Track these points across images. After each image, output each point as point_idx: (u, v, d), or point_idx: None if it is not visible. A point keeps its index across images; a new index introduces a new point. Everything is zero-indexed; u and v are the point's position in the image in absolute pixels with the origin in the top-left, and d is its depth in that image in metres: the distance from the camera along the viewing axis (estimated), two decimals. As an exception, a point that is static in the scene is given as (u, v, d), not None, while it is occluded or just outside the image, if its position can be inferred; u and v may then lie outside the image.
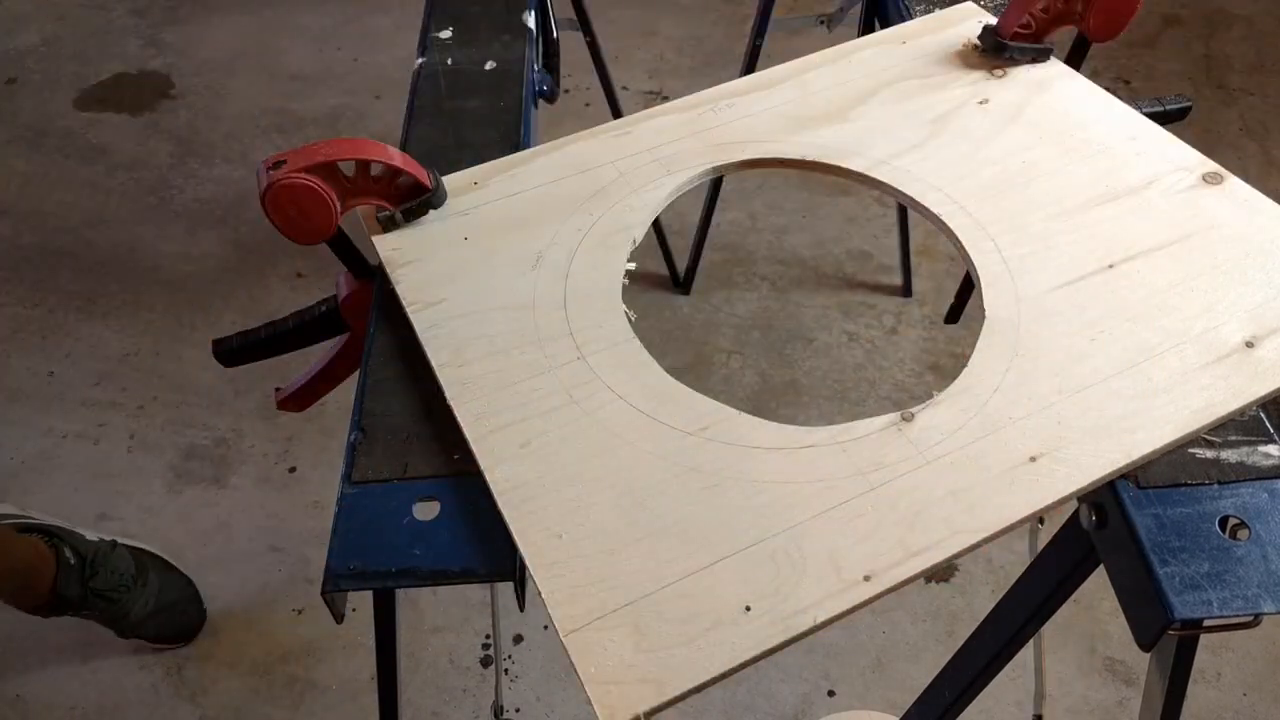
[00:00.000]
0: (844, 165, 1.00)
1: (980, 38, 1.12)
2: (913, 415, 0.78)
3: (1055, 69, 1.11)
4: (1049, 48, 1.11)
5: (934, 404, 0.79)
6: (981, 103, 1.06)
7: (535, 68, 1.25)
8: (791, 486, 0.73)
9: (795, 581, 0.68)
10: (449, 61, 1.19)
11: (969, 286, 1.84)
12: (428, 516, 0.74)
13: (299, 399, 1.08)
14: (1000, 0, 1.21)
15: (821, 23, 1.85)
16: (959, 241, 0.92)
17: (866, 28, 1.71)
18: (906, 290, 2.25)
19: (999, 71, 1.10)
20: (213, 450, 2.01)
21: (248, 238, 2.45)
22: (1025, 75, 1.10)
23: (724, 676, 0.64)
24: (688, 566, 0.69)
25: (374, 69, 2.92)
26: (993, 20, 1.14)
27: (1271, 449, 0.78)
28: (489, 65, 1.19)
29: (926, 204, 0.96)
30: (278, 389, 1.09)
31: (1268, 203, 0.94)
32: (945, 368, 2.10)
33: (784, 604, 0.67)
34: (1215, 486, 0.76)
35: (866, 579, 0.68)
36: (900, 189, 0.97)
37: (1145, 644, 0.73)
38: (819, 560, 0.69)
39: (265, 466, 1.98)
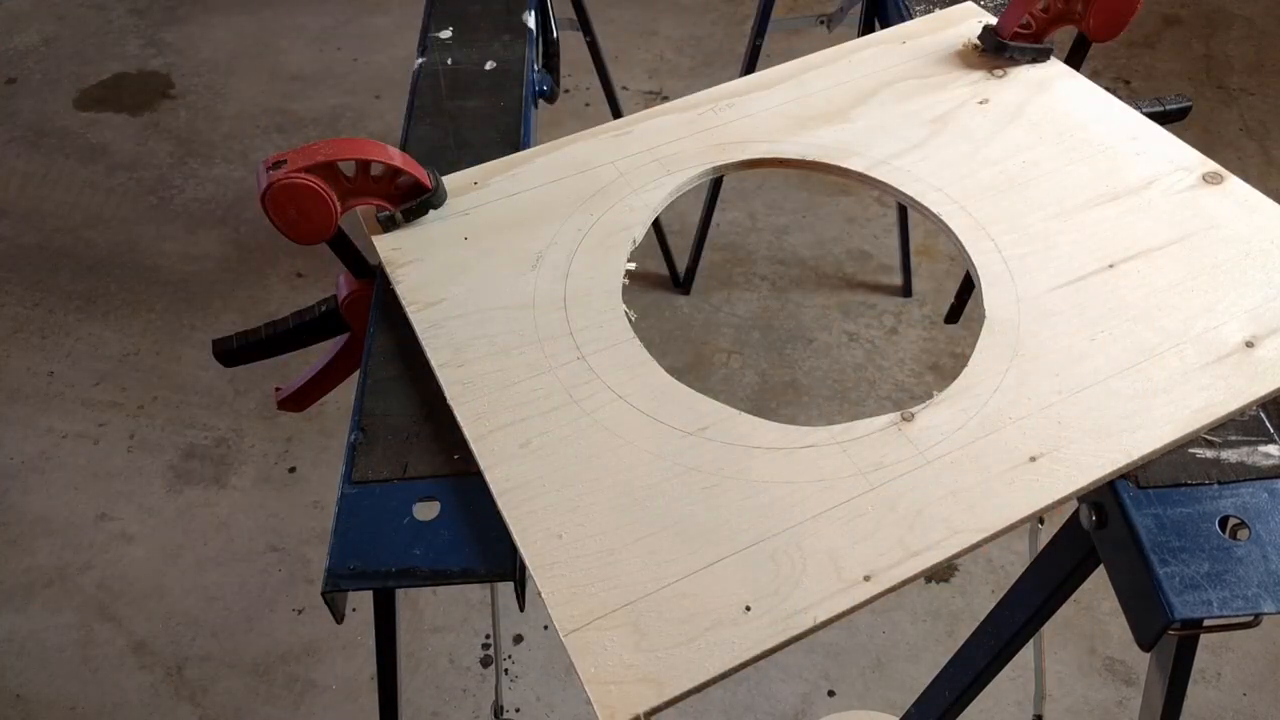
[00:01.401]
0: (844, 165, 1.00)
1: (980, 38, 1.12)
2: (913, 415, 0.78)
3: (1055, 69, 1.10)
4: (1049, 48, 1.11)
5: (934, 404, 0.79)
6: (981, 103, 1.06)
7: (535, 68, 1.25)
8: (791, 486, 0.73)
9: (795, 581, 0.68)
10: (449, 61, 1.19)
11: (969, 286, 1.84)
12: (428, 516, 0.74)
13: (299, 399, 1.08)
14: (1000, 0, 1.21)
15: (821, 23, 1.85)
16: (959, 241, 0.92)
17: (866, 28, 1.71)
18: (906, 290, 2.25)
19: (999, 71, 1.10)
20: (213, 450, 2.01)
21: (248, 238, 2.45)
22: (1025, 75, 1.09)
23: (724, 676, 0.64)
24: (687, 566, 0.69)
25: (374, 69, 2.92)
26: (993, 20, 1.14)
27: (1271, 449, 0.78)
28: (489, 65, 1.19)
29: (926, 204, 0.96)
30: (278, 389, 1.09)
31: (1268, 203, 0.94)
32: (945, 368, 2.10)
33: (784, 604, 0.67)
34: (1215, 486, 0.75)
35: (866, 579, 0.68)
36: (900, 189, 0.97)
37: (1145, 644, 0.73)
38: (819, 560, 0.69)
39: (265, 466, 1.98)
